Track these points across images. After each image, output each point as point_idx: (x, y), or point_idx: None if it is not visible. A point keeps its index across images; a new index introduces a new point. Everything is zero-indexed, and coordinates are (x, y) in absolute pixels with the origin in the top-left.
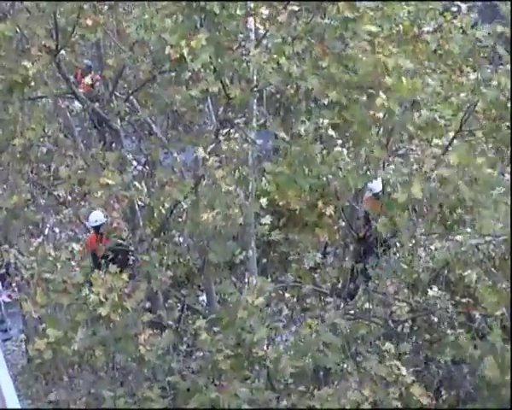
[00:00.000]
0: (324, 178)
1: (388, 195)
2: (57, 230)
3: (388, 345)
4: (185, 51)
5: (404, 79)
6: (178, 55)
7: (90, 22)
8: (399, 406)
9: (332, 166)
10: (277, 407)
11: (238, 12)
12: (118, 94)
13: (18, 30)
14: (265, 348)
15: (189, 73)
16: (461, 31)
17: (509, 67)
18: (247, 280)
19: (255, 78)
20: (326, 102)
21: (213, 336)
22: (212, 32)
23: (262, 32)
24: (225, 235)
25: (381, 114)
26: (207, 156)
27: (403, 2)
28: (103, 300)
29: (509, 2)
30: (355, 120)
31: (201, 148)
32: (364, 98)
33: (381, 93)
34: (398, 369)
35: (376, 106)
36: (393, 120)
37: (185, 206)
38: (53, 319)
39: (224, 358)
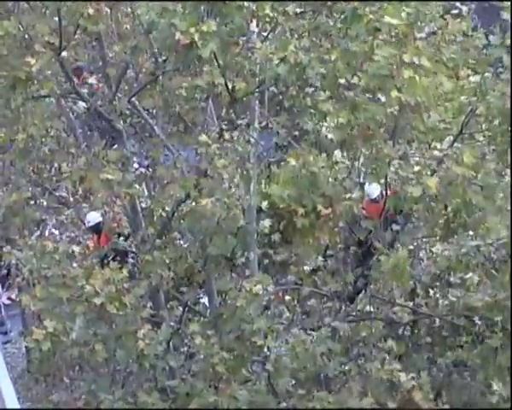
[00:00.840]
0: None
1: (395, 193)
2: (57, 231)
3: (390, 343)
4: (196, 36)
5: (417, 76)
6: (188, 41)
7: (94, 12)
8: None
9: (336, 186)
10: (277, 408)
11: (245, 3)
12: (120, 95)
13: (21, 28)
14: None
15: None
16: (461, 34)
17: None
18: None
19: (260, 73)
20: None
21: (208, 339)
22: (218, 25)
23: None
24: (226, 228)
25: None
26: (210, 141)
27: (402, 4)
28: (99, 290)
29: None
30: (368, 116)
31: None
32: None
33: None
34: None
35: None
36: (406, 116)
37: (187, 209)
38: (51, 313)
39: (220, 360)
